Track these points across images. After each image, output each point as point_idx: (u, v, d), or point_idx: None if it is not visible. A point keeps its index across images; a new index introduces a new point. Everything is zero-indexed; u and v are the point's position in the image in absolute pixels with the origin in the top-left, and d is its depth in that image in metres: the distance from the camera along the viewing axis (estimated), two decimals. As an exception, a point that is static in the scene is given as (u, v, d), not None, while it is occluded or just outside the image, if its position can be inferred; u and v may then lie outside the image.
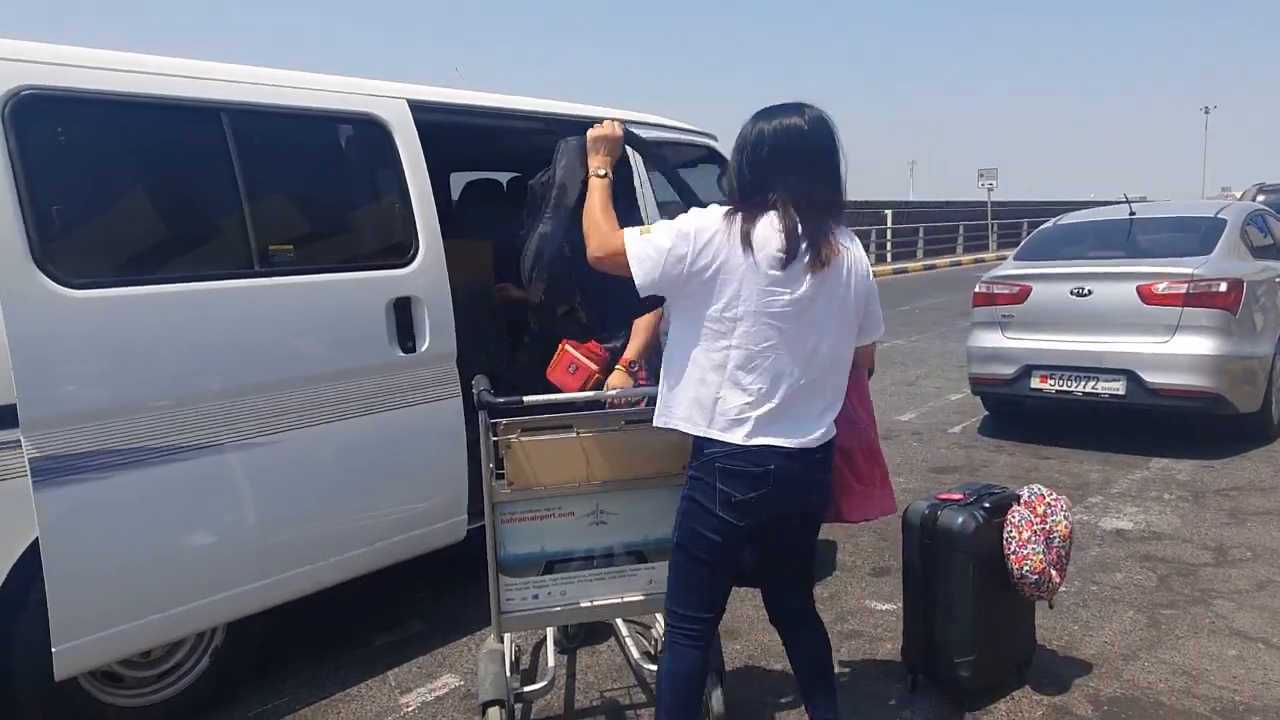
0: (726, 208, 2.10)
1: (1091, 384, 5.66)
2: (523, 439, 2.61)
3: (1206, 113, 60.71)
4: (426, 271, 3.33)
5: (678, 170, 3.29)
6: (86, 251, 2.62)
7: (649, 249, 2.09)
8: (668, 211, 4.68)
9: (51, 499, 2.44)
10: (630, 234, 2.14)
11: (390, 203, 3.39)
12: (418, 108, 3.46)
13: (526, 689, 2.81)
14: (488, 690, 2.63)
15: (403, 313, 3.23)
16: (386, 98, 3.38)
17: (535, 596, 2.74)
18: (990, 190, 28.28)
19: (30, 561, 2.47)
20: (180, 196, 2.90)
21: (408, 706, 3.02)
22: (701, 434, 2.11)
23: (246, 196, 2.91)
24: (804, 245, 2.03)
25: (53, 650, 2.48)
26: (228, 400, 2.80)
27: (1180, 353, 5.36)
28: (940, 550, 2.83)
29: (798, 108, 2.13)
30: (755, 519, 2.14)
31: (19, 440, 2.40)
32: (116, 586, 2.59)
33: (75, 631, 2.51)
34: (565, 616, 2.84)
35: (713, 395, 2.08)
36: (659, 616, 2.84)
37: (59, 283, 2.46)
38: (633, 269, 2.09)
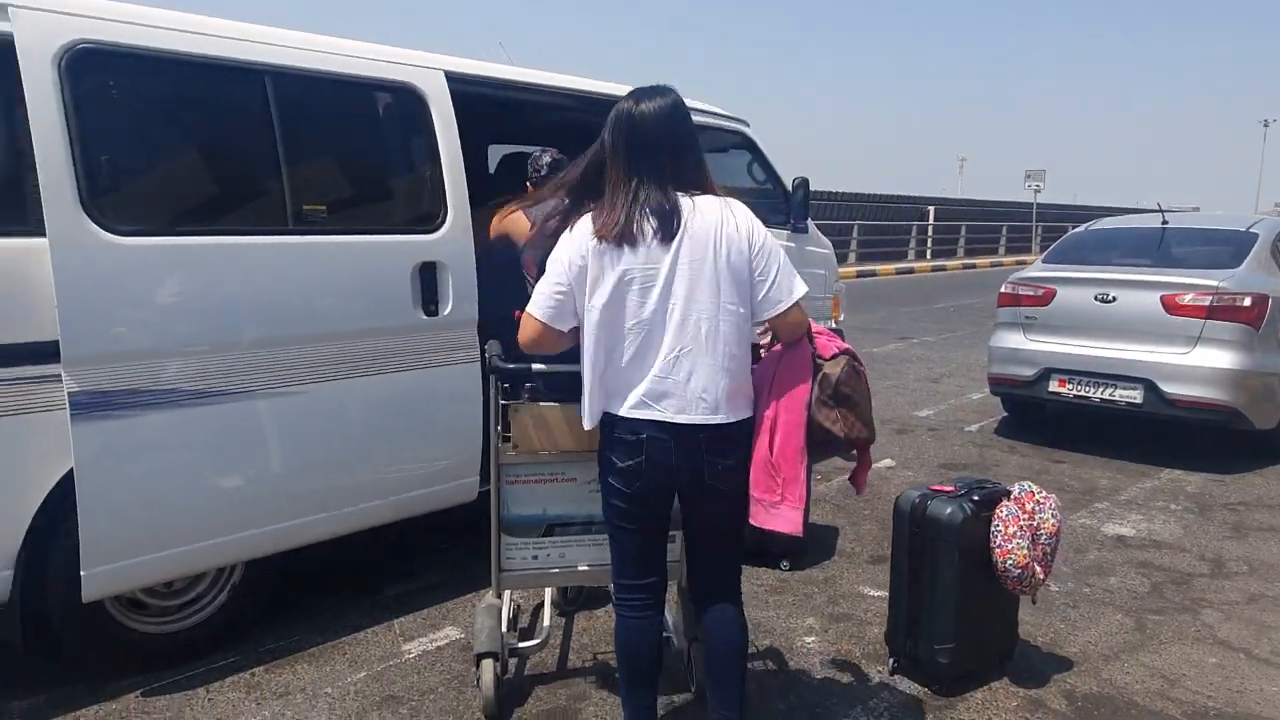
0: (587, 214, 2.23)
1: (1109, 391, 5.66)
2: (528, 405, 2.74)
3: (1265, 125, 59.01)
4: (453, 239, 3.45)
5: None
6: (131, 201, 2.77)
7: (542, 291, 2.22)
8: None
9: (87, 432, 2.61)
10: (529, 309, 2.25)
11: (422, 170, 3.51)
12: (455, 79, 3.57)
13: (521, 644, 2.95)
14: (483, 643, 2.77)
15: (428, 277, 3.36)
16: (424, 68, 3.49)
17: (534, 557, 2.87)
18: (1037, 192, 27.86)
19: (65, 489, 2.65)
20: (222, 153, 3.05)
21: (409, 654, 3.18)
22: (599, 406, 2.25)
23: (285, 157, 3.05)
24: (643, 222, 2.14)
25: (82, 574, 2.66)
26: (257, 350, 2.95)
27: (1200, 365, 5.35)
28: (927, 539, 2.91)
29: (645, 93, 2.24)
30: (640, 488, 2.23)
31: (60, 375, 2.57)
32: (144, 518, 2.76)
33: (103, 557, 2.68)
34: (562, 578, 2.97)
35: (599, 374, 2.21)
36: None
37: (104, 229, 2.61)
38: (548, 326, 2.22)
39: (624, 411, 2.20)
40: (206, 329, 2.85)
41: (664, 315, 2.15)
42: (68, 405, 2.57)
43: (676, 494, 2.30)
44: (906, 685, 2.99)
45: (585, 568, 2.89)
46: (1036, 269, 6.37)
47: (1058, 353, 5.90)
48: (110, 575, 2.73)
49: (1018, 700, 2.92)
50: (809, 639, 3.32)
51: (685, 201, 2.18)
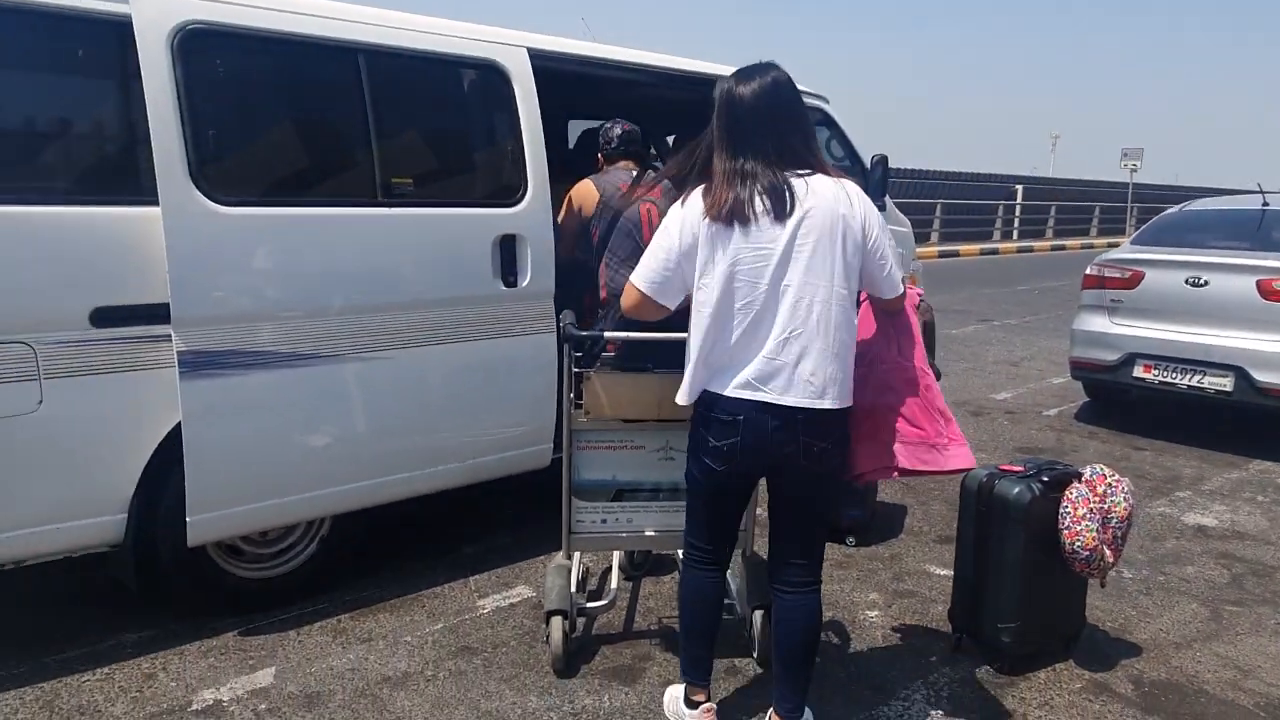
0: (697, 188, 2.25)
1: (1197, 378, 5.48)
2: (601, 372, 2.83)
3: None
4: (533, 212, 3.55)
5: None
6: (235, 173, 2.95)
7: (649, 265, 2.27)
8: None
9: (193, 389, 2.80)
10: (632, 279, 2.32)
11: (504, 145, 3.62)
12: (537, 56, 3.66)
13: (589, 604, 3.06)
14: (553, 600, 2.90)
15: (508, 249, 3.48)
16: (508, 45, 3.59)
17: (603, 521, 2.97)
18: (1134, 171, 26.68)
19: (173, 441, 2.86)
20: (317, 128, 3.22)
21: (484, 609, 3.33)
22: (700, 384, 2.27)
23: (375, 131, 3.19)
24: (755, 202, 2.15)
25: (187, 520, 2.87)
26: (348, 316, 3.12)
27: (1297, 354, 5.13)
28: (994, 518, 2.91)
29: (746, 72, 2.24)
30: (731, 469, 2.27)
31: (170, 335, 2.76)
32: (243, 471, 2.96)
33: (206, 505, 2.89)
34: (630, 542, 3.07)
35: (706, 352, 2.23)
36: None
37: (211, 199, 2.79)
38: (652, 298, 2.28)
39: (728, 391, 2.20)
40: (300, 295, 3.02)
41: (776, 296, 2.15)
42: (176, 363, 2.77)
43: (770, 480, 2.35)
44: (968, 663, 3.01)
45: (652, 533, 2.98)
46: (1124, 250, 6.17)
47: (1144, 337, 5.72)
48: (212, 522, 2.94)
49: (1082, 683, 2.91)
50: (872, 613, 3.36)
51: (798, 181, 2.18)
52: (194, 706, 2.67)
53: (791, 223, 2.14)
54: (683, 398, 2.30)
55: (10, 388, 2.61)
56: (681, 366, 2.33)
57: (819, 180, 2.19)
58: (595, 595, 3.40)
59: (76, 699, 2.71)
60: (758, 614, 2.89)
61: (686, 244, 2.21)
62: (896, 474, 2.46)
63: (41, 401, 2.66)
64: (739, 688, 2.82)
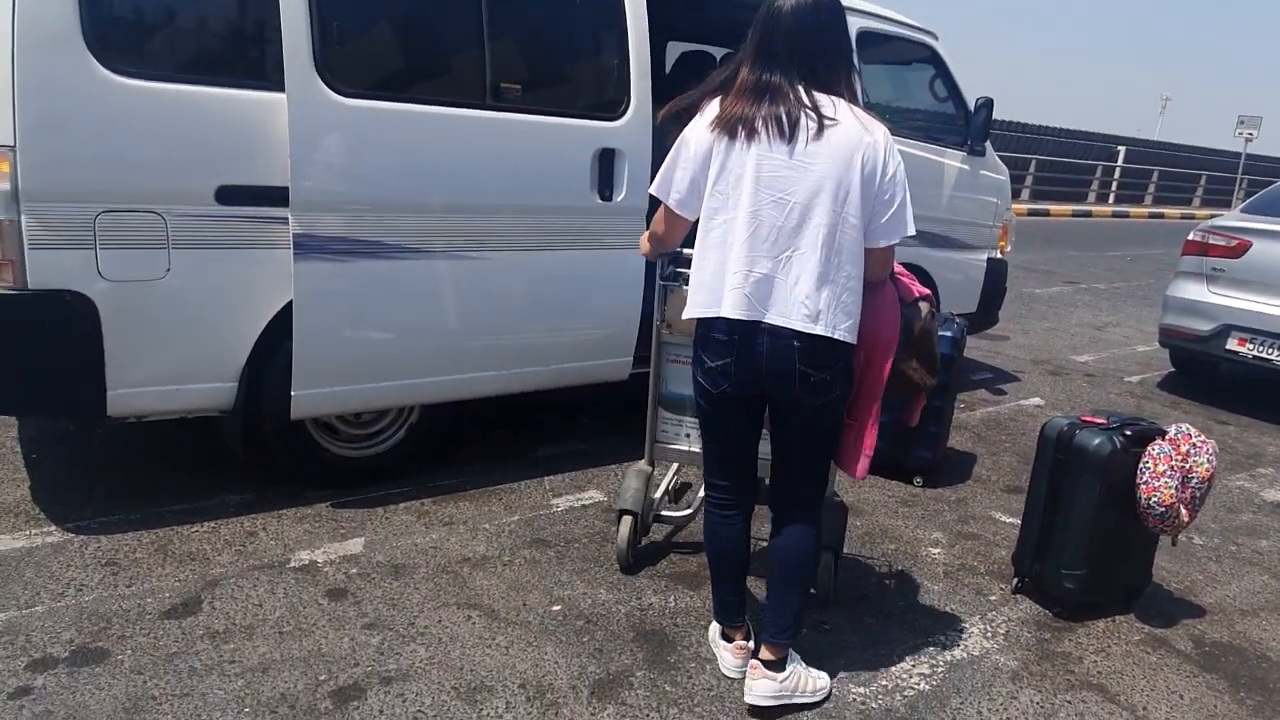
0: (715, 98, 2.19)
1: (1295, 356, 5.30)
2: (683, 288, 2.88)
3: None
4: (634, 128, 3.58)
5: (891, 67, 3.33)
6: (356, 66, 3.04)
7: (669, 178, 2.25)
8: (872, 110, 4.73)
9: (305, 270, 2.95)
10: (653, 188, 2.33)
11: (610, 60, 3.64)
12: (648, -30, 3.64)
13: (668, 512, 3.17)
14: (626, 500, 3.01)
15: (606, 163, 3.52)
16: (622, -43, 3.57)
17: (687, 435, 3.06)
18: (1249, 141, 25.21)
19: (284, 319, 3.02)
20: (435, 28, 3.30)
21: (557, 507, 3.48)
22: (703, 301, 2.21)
23: (489, 35, 3.25)
24: (770, 118, 2.08)
25: (292, 394, 3.05)
26: (450, 215, 3.23)
27: (1407, 339, 4.92)
28: (1071, 467, 2.92)
29: None
30: (727, 390, 2.21)
31: (286, 217, 2.90)
32: (344, 352, 3.12)
33: (311, 382, 3.07)
34: None
35: (708, 270, 2.19)
36: None
37: (333, 89, 2.89)
38: (673, 210, 2.28)
39: (724, 309, 2.15)
40: (408, 189, 3.12)
41: (781, 215, 2.10)
42: (291, 245, 2.91)
43: (769, 403, 2.28)
44: (1027, 605, 3.06)
45: None
46: (1233, 218, 5.93)
47: (1242, 309, 5.53)
48: (315, 399, 3.12)
49: (1140, 635, 2.94)
50: (934, 550, 3.42)
51: (825, 102, 2.11)
52: (291, 564, 2.89)
53: (801, 142, 2.08)
54: (688, 313, 2.25)
55: (143, 254, 2.79)
56: None
57: (842, 107, 2.12)
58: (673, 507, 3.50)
59: (187, 546, 2.94)
60: (825, 554, 2.84)
61: (699, 155, 2.18)
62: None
63: (169, 269, 2.83)
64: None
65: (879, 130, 2.13)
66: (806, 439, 2.32)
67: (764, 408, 2.32)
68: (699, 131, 2.20)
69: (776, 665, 2.36)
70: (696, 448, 3.05)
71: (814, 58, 2.13)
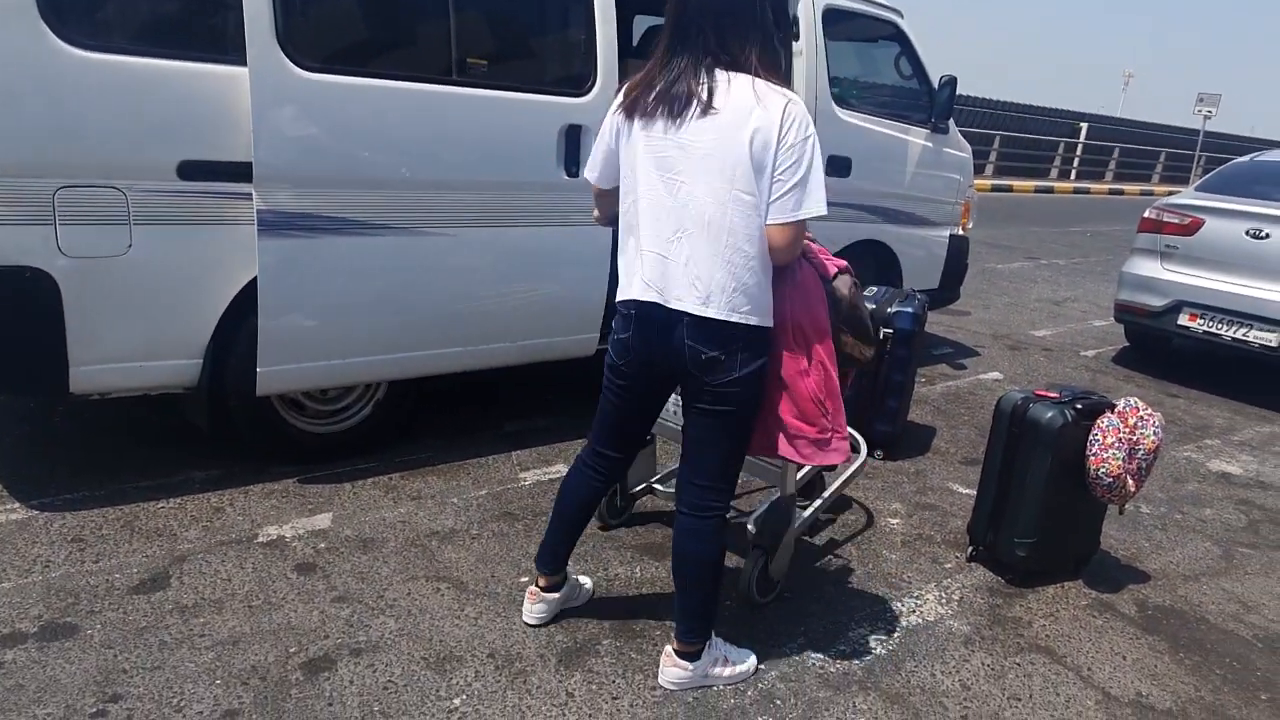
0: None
1: (1243, 331, 5.47)
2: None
3: None
4: (600, 105, 3.56)
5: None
6: (320, 40, 3.02)
7: (592, 154, 2.32)
8: (836, 87, 4.77)
9: (270, 246, 2.94)
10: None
11: (577, 35, 3.64)
12: (614, -55, 3.63)
13: (661, 487, 3.22)
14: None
15: (573, 139, 3.53)
16: (589, -68, 3.56)
17: (676, 414, 3.08)
18: (1207, 118, 25.59)
19: (249, 295, 3.01)
20: (400, 3, 3.28)
21: (525, 481, 3.52)
22: (620, 290, 2.29)
23: (455, 10, 3.24)
24: (665, 96, 2.08)
25: (257, 370, 3.05)
26: (415, 191, 3.22)
27: (1349, 315, 5.10)
28: (1024, 440, 3.02)
29: None
30: (625, 362, 2.26)
31: (250, 193, 2.89)
32: (310, 329, 3.12)
33: (276, 358, 3.07)
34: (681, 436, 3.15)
35: (625, 253, 2.24)
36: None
37: (296, 63, 2.87)
38: (597, 185, 2.34)
39: (632, 292, 2.19)
40: (373, 165, 3.11)
41: (672, 194, 2.09)
42: (255, 220, 2.90)
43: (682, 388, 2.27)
44: (981, 572, 3.17)
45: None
46: (1187, 196, 6.08)
47: (1194, 285, 5.69)
48: (280, 375, 3.11)
49: (1088, 600, 3.06)
50: (893, 520, 3.51)
51: (722, 79, 2.06)
52: (259, 539, 2.91)
53: (689, 120, 2.05)
54: (621, 293, 2.28)
55: (104, 229, 2.76)
56: None
57: (740, 82, 2.05)
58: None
59: (153, 522, 2.95)
60: (753, 553, 2.78)
61: (607, 133, 2.24)
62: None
63: (131, 245, 2.81)
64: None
65: (777, 104, 2.03)
66: (705, 426, 2.25)
67: (665, 392, 2.38)
68: (609, 112, 2.25)
69: (688, 657, 2.37)
70: (675, 424, 3.08)
71: (723, 32, 2.07)
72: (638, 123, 2.13)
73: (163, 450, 3.44)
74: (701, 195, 2.07)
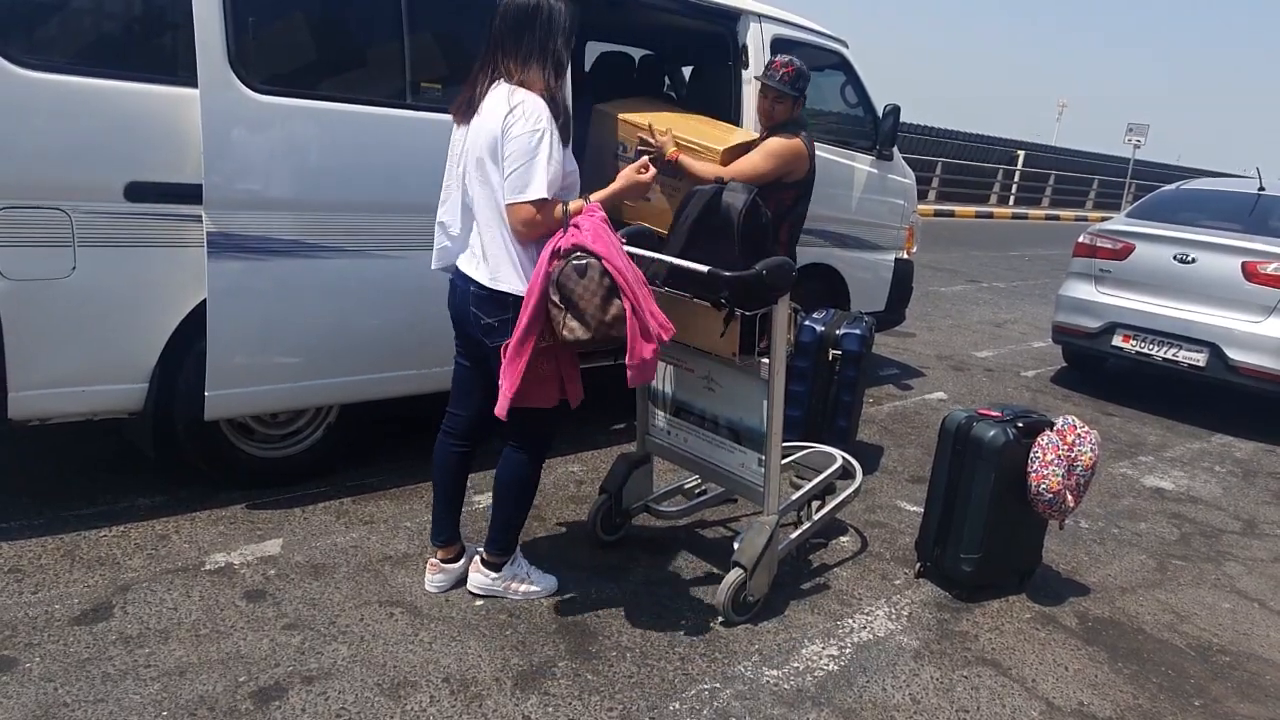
0: None
1: (1173, 351, 5.69)
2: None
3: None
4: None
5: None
6: (273, 62, 3.02)
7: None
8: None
9: (220, 269, 2.91)
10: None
11: (530, 60, 3.67)
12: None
13: (658, 506, 3.33)
14: (606, 481, 3.19)
15: (527, 163, 3.55)
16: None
17: (669, 433, 3.13)
18: (1137, 147, 26.59)
19: (196, 318, 2.97)
20: (354, 26, 3.29)
21: (478, 504, 3.51)
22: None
23: (409, 34, 3.26)
24: (461, 105, 2.55)
25: (205, 394, 3.01)
26: (369, 214, 3.23)
27: (1271, 335, 5.34)
28: (968, 458, 3.10)
29: None
30: (453, 320, 2.69)
31: (200, 215, 2.86)
32: (260, 352, 3.09)
33: (225, 382, 3.03)
34: (687, 463, 3.16)
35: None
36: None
37: (248, 86, 2.86)
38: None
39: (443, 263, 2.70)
40: (325, 188, 3.11)
41: (462, 185, 2.57)
42: (205, 243, 2.87)
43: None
44: (929, 588, 3.24)
45: (704, 460, 3.05)
46: (1118, 222, 6.33)
47: (1127, 308, 5.91)
48: (228, 399, 3.07)
49: (1031, 614, 3.14)
50: (844, 538, 3.58)
51: (493, 87, 2.48)
52: (207, 566, 2.85)
53: (469, 124, 2.51)
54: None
55: (47, 251, 2.71)
56: (693, 294, 2.62)
57: (498, 89, 2.47)
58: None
59: (95, 551, 2.87)
60: (733, 571, 2.81)
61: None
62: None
63: (75, 268, 2.76)
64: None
65: (520, 103, 2.42)
66: (490, 378, 2.59)
67: (474, 349, 2.68)
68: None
69: (492, 567, 2.81)
70: (676, 446, 3.13)
71: (506, 51, 2.50)
72: (454, 127, 2.62)
73: (105, 477, 3.36)
74: (474, 187, 2.52)
